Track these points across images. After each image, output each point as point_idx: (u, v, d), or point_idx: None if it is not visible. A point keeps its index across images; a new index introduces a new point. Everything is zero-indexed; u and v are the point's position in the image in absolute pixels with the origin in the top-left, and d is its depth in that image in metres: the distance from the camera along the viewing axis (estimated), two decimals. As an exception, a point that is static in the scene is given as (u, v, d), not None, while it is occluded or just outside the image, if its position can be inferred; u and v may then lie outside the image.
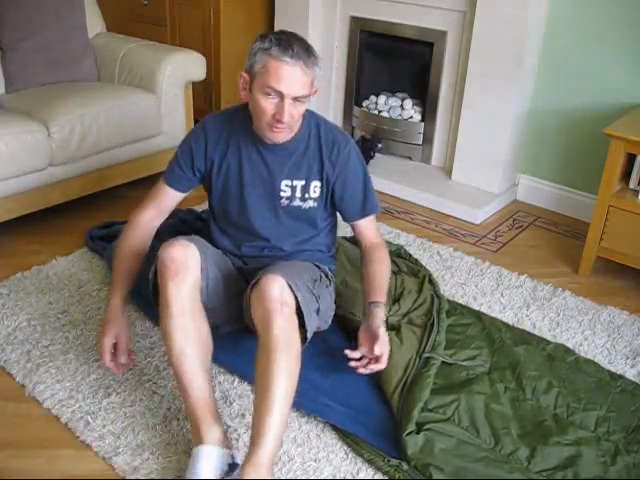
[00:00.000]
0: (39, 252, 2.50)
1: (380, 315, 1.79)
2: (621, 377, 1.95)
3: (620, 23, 2.67)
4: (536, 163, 3.12)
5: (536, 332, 2.16)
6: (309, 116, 1.85)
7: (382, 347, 1.72)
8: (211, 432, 1.56)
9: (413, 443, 1.61)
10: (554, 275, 2.54)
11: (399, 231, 2.79)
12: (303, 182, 1.86)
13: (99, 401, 1.80)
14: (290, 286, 1.62)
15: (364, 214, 1.94)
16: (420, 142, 3.37)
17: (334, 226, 2.05)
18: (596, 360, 2.03)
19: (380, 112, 3.45)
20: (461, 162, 3.15)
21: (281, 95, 1.65)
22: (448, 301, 2.26)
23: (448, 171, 3.26)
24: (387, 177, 3.22)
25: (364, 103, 3.55)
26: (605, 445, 1.69)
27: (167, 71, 2.86)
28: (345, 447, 1.68)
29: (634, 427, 1.75)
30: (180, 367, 1.60)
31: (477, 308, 2.27)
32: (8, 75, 2.82)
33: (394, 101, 3.44)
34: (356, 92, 3.56)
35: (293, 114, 1.69)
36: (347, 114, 3.63)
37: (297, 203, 1.88)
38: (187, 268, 1.65)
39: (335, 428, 1.73)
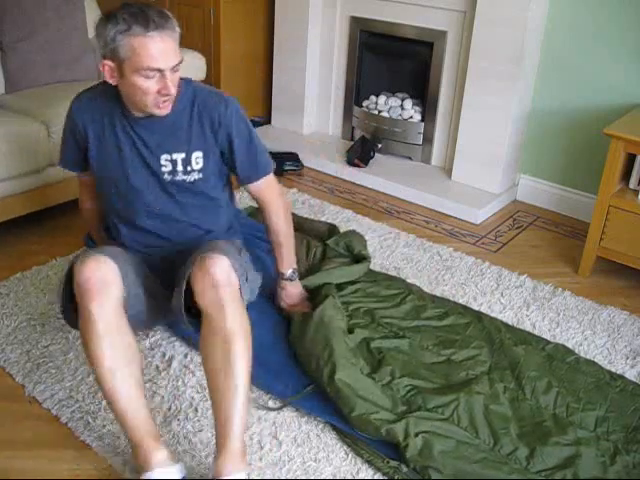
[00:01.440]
0: (39, 252, 2.50)
1: (285, 279, 2.06)
2: (621, 377, 1.94)
3: (620, 23, 2.67)
4: (536, 163, 3.12)
5: (536, 332, 2.16)
6: (185, 85, 1.77)
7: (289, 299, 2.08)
8: (155, 455, 1.50)
9: (412, 446, 1.61)
10: (554, 275, 2.54)
11: (399, 231, 2.79)
12: (183, 155, 1.78)
13: (99, 401, 1.80)
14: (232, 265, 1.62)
15: (257, 175, 1.89)
16: (420, 142, 3.37)
17: (232, 196, 2.02)
18: (596, 360, 2.03)
19: (380, 112, 3.45)
20: (461, 162, 3.15)
21: (160, 70, 1.59)
22: (448, 301, 2.26)
23: (448, 171, 3.26)
24: (387, 177, 3.22)
25: (364, 103, 3.55)
26: (605, 445, 1.69)
27: (167, 71, 2.86)
28: (345, 447, 1.68)
29: (634, 427, 1.75)
30: (114, 390, 1.52)
31: (477, 308, 2.27)
32: (8, 75, 2.82)
33: (394, 101, 3.44)
34: (356, 92, 3.56)
35: (175, 83, 1.64)
36: (347, 114, 3.63)
37: (180, 177, 1.80)
38: (107, 284, 1.56)
39: (335, 428, 1.73)
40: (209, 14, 3.51)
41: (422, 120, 3.35)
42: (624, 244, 2.41)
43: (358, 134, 3.53)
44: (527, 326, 2.20)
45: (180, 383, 1.87)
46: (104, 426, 1.72)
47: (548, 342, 2.07)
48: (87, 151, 1.83)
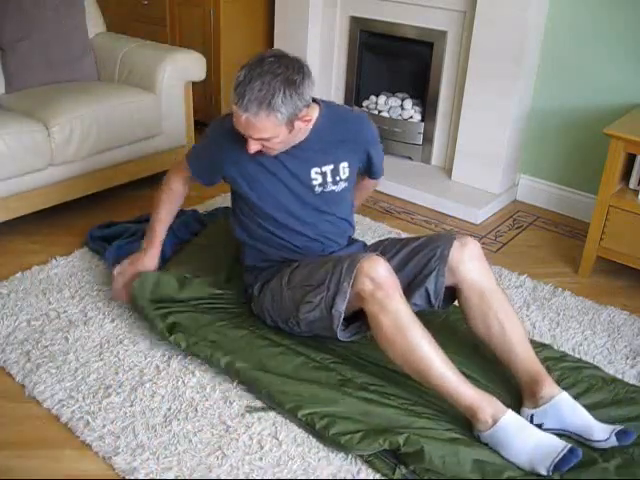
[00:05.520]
0: (39, 252, 2.50)
1: None
2: (614, 380, 1.90)
3: (620, 23, 2.67)
4: (536, 163, 3.12)
5: (536, 332, 2.17)
6: (323, 105, 1.91)
7: None
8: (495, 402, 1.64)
9: (411, 453, 1.59)
10: (554, 275, 2.54)
11: (399, 231, 2.79)
12: (332, 166, 1.93)
13: (99, 401, 1.80)
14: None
15: (381, 173, 2.19)
16: (420, 142, 3.37)
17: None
18: (596, 360, 2.03)
19: (380, 112, 3.45)
20: (461, 162, 3.15)
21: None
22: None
23: (448, 171, 3.26)
24: (387, 177, 3.17)
25: (364, 103, 3.55)
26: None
27: (167, 71, 2.86)
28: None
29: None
30: (440, 365, 1.65)
31: (477, 308, 2.27)
32: (8, 75, 2.82)
33: (394, 101, 3.44)
34: (356, 92, 3.57)
35: (266, 146, 1.79)
36: (347, 114, 3.63)
37: (330, 188, 1.95)
38: (395, 279, 1.72)
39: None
40: (209, 14, 3.52)
41: (422, 120, 3.35)
42: (624, 244, 2.41)
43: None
44: (527, 326, 2.20)
45: (180, 383, 1.87)
46: (104, 426, 1.72)
47: (540, 345, 2.04)
48: (224, 172, 1.97)
